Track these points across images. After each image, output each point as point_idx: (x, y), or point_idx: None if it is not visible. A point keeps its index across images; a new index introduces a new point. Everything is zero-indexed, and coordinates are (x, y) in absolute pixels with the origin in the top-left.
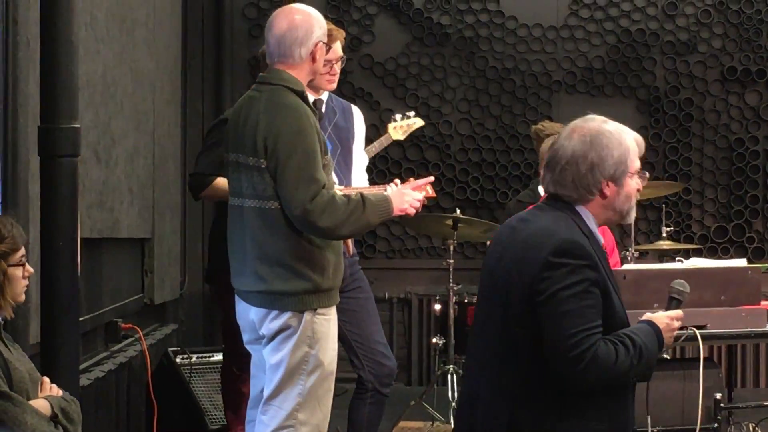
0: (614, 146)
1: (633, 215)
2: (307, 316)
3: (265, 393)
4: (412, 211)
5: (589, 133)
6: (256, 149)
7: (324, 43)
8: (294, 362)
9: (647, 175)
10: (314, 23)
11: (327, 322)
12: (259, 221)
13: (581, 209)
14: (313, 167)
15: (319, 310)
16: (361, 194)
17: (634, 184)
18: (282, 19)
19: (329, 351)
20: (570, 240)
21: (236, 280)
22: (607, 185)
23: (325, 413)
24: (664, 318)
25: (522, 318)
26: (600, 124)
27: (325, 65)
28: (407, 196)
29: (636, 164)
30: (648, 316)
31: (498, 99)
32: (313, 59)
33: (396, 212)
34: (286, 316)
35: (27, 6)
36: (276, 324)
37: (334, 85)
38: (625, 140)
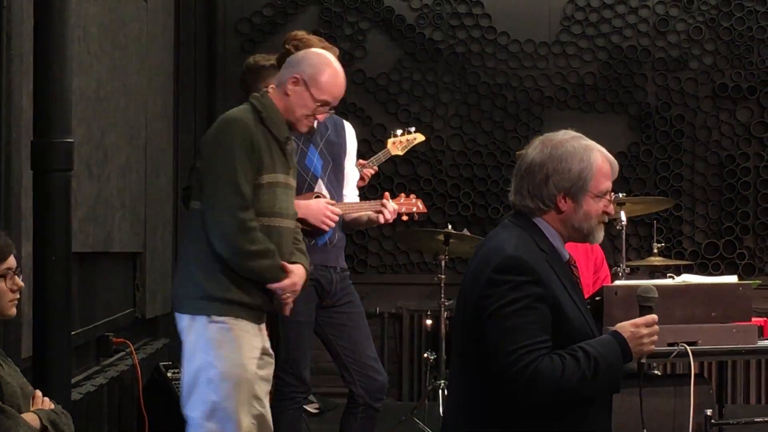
0: (574, 161)
1: (599, 236)
2: (199, 321)
3: None
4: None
5: (551, 144)
6: (200, 152)
7: (305, 82)
8: (193, 368)
9: (612, 198)
10: (311, 60)
11: (227, 331)
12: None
13: (540, 222)
14: (235, 179)
15: (215, 317)
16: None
17: (597, 205)
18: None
19: (231, 359)
20: (513, 257)
21: None
22: (564, 200)
23: (247, 425)
24: (629, 327)
25: (474, 335)
26: (567, 138)
27: None
28: None
29: (603, 186)
30: (616, 326)
31: (490, 115)
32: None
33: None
34: (183, 319)
35: (20, 20)
36: (178, 325)
37: None
38: (591, 158)
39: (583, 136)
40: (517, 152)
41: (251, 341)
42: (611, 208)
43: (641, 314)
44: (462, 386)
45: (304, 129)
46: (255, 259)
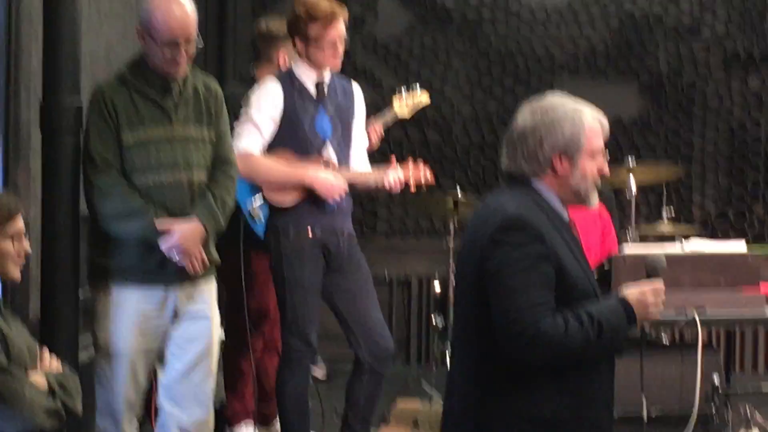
0: (566, 123)
1: (595, 199)
2: (96, 290)
3: None
4: None
5: (540, 108)
6: None
7: (145, 32)
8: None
9: (607, 157)
10: (147, 4)
11: (106, 300)
12: None
13: (539, 185)
14: (87, 146)
15: (112, 285)
16: None
17: (592, 164)
18: None
19: (108, 331)
20: (514, 216)
21: None
22: (560, 160)
23: (115, 400)
24: (635, 292)
25: (477, 297)
26: (556, 102)
27: (327, 45)
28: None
29: (596, 144)
30: (622, 290)
31: (500, 81)
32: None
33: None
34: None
35: None
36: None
37: (338, 63)
38: (582, 118)
39: (570, 98)
40: None
41: (135, 310)
42: (606, 168)
43: None
44: (466, 349)
45: (175, 73)
46: (119, 221)
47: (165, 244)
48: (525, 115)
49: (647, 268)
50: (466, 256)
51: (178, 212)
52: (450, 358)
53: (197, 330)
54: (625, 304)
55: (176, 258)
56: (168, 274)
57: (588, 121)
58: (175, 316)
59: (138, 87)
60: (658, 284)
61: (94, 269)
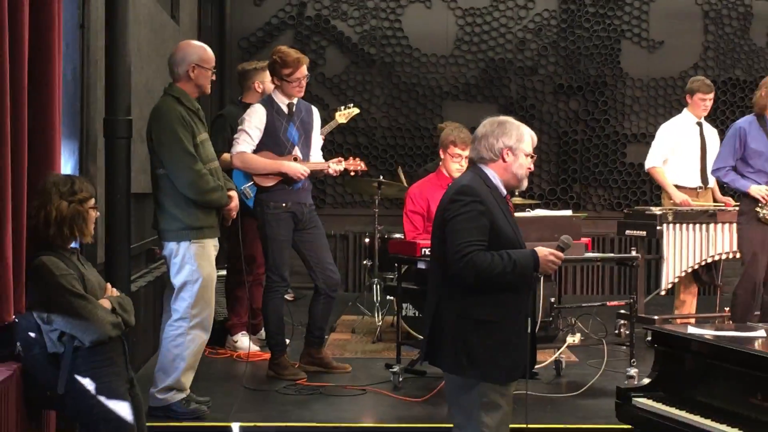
0: (514, 129)
1: (525, 184)
2: (183, 245)
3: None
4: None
5: (497, 120)
6: (150, 137)
7: (197, 65)
8: (182, 277)
9: (534, 158)
10: (190, 51)
11: (202, 249)
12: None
13: (487, 170)
14: (182, 145)
15: (194, 241)
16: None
17: (526, 161)
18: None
19: (205, 267)
20: (466, 185)
21: None
22: (508, 153)
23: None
24: (546, 251)
25: (440, 238)
26: (505, 118)
27: (295, 81)
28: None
29: (529, 148)
30: (536, 248)
31: (407, 104)
32: (189, 77)
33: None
34: (169, 245)
35: (95, 37)
36: (165, 250)
37: (302, 94)
38: (523, 130)
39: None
40: (439, 126)
41: (213, 253)
42: (532, 166)
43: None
44: (435, 273)
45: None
46: (212, 193)
47: (231, 205)
48: (486, 126)
49: (560, 244)
50: (439, 215)
51: (223, 184)
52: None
53: None
54: (535, 256)
55: (232, 214)
56: (218, 229)
57: (527, 132)
58: None
59: (187, 106)
60: (560, 254)
61: (189, 230)
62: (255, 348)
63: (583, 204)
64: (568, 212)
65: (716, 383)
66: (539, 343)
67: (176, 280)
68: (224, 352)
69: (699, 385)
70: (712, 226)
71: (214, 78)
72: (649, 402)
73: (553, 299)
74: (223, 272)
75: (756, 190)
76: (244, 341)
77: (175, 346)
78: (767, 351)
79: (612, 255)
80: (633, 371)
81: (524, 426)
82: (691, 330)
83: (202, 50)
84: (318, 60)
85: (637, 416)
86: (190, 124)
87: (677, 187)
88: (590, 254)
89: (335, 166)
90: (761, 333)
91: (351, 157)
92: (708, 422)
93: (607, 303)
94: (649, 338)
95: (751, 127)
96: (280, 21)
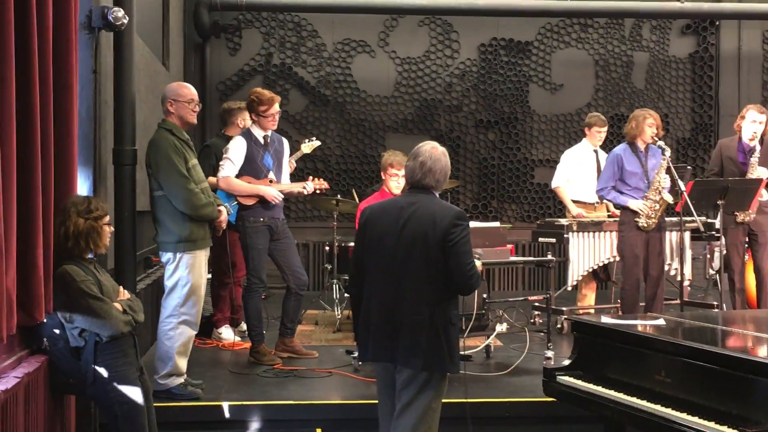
0: (444, 162)
1: None
2: (178, 255)
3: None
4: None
5: (435, 155)
6: (148, 164)
7: (174, 100)
8: (173, 281)
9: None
10: (168, 89)
11: (194, 259)
12: (157, 203)
13: (435, 194)
14: (177, 169)
15: (187, 252)
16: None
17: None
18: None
19: (195, 275)
20: (460, 211)
21: None
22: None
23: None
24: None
25: (437, 254)
26: (438, 152)
27: (269, 116)
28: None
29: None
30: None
31: (356, 136)
32: (170, 111)
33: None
34: (165, 255)
35: (105, 82)
36: (162, 259)
37: (275, 127)
38: (447, 161)
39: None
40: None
41: (204, 261)
42: None
43: None
44: (423, 282)
45: (194, 122)
46: (204, 208)
47: (221, 218)
48: (430, 157)
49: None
50: (428, 233)
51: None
52: (382, 290)
53: None
54: None
55: (222, 225)
56: (209, 239)
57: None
58: None
59: (179, 136)
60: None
61: (184, 242)
62: (237, 338)
63: (500, 216)
64: (497, 224)
65: (626, 363)
66: (474, 332)
67: (168, 282)
68: (211, 342)
69: (612, 364)
70: (607, 233)
71: (196, 110)
72: (571, 379)
73: (485, 295)
74: (209, 276)
75: (634, 204)
76: (227, 333)
77: (167, 339)
78: (670, 337)
79: (533, 258)
80: (550, 353)
81: (464, 400)
82: (605, 320)
83: (177, 86)
84: (283, 100)
85: (561, 391)
86: (182, 151)
87: (578, 203)
88: (514, 258)
89: (309, 186)
90: (661, 322)
91: (316, 178)
92: (620, 395)
93: (528, 297)
94: (558, 326)
95: (626, 153)
96: (252, 68)
